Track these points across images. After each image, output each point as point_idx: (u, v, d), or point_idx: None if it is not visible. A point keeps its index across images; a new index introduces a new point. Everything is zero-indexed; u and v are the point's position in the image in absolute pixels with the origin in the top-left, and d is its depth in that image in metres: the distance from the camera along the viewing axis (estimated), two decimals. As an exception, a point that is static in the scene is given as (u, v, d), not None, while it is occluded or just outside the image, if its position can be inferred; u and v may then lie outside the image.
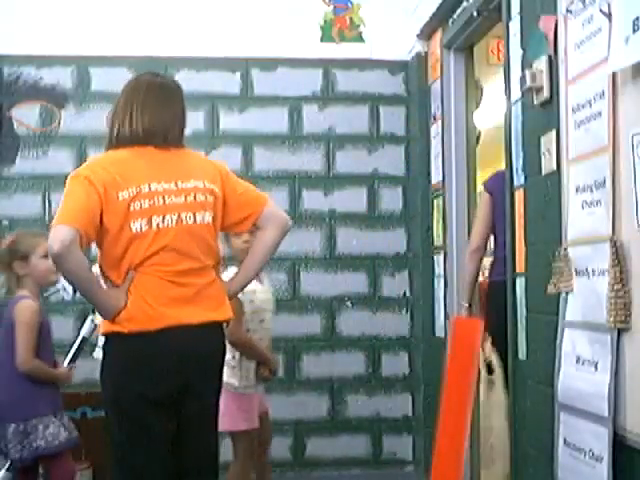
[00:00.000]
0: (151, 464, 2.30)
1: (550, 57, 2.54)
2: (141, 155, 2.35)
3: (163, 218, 2.30)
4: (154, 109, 2.37)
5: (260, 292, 3.25)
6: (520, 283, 2.83)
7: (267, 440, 3.40)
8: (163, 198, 2.30)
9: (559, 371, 2.39)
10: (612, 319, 2.06)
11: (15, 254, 3.07)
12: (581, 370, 2.26)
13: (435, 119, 4.06)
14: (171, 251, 2.31)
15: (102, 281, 2.44)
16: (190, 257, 2.33)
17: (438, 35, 4.03)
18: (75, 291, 3.42)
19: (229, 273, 2.81)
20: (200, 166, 2.44)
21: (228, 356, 2.84)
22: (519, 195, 2.84)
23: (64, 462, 3.08)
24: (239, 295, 2.78)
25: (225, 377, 2.58)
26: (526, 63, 2.72)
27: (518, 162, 2.85)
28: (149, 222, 2.28)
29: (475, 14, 3.41)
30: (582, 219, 2.28)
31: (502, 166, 3.08)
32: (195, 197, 2.34)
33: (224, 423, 2.76)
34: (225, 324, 2.48)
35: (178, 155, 2.41)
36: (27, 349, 3.02)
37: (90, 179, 2.27)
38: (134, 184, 2.28)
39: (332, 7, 4.46)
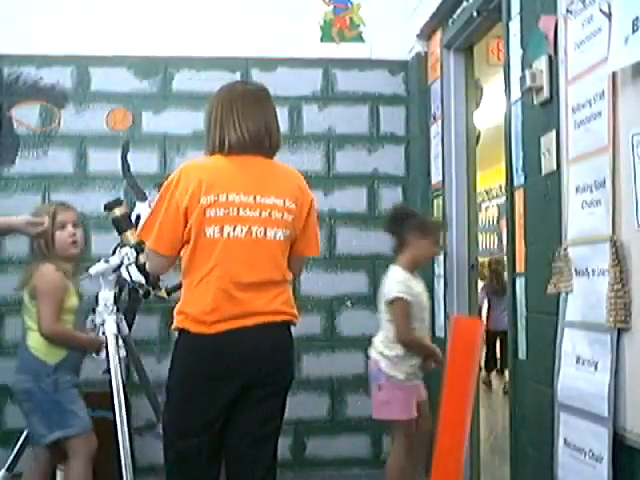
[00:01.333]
0: None
1: (550, 57, 2.54)
2: (231, 163, 2.42)
3: (234, 228, 2.36)
4: (253, 116, 2.44)
5: (422, 292, 3.39)
6: (520, 283, 2.83)
7: (427, 425, 3.34)
8: (237, 210, 2.36)
9: (559, 371, 2.39)
10: (612, 319, 2.06)
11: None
12: (581, 370, 2.26)
13: (435, 119, 4.07)
14: (238, 261, 2.37)
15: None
16: (256, 270, 2.38)
17: (438, 35, 4.03)
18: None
19: None
20: (285, 183, 2.46)
21: (391, 353, 3.24)
22: (519, 195, 2.84)
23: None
24: (406, 296, 3.19)
25: (389, 371, 3.13)
26: (526, 63, 2.72)
27: (518, 162, 2.85)
28: (221, 230, 2.36)
29: (475, 14, 3.42)
30: (582, 219, 2.28)
31: (502, 166, 3.08)
32: (271, 214, 2.39)
33: (384, 412, 3.21)
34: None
35: (266, 167, 2.46)
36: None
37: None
38: (213, 192, 2.35)
39: (332, 7, 4.46)
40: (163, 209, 2.43)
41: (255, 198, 2.38)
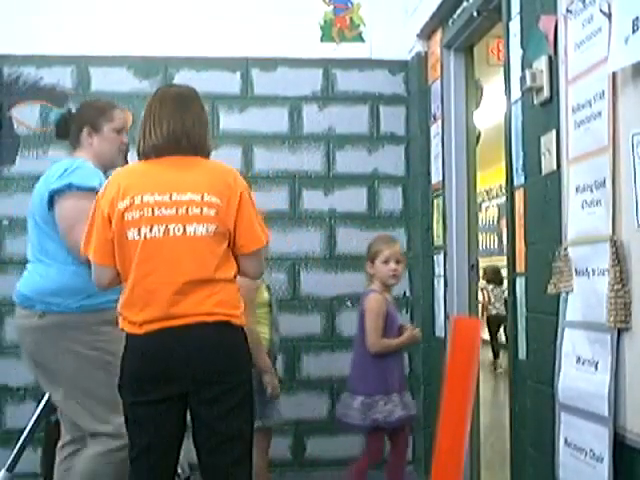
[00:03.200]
0: None
1: (550, 57, 2.54)
2: (147, 166, 2.46)
3: (151, 228, 2.35)
4: (168, 119, 2.43)
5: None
6: (520, 283, 2.83)
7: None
8: (152, 210, 2.35)
9: (559, 371, 2.39)
10: (612, 319, 2.06)
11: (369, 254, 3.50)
12: (581, 370, 2.26)
13: (435, 119, 4.07)
14: (159, 261, 2.35)
15: None
16: (180, 269, 2.35)
17: (438, 35, 4.03)
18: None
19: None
20: (205, 179, 2.41)
21: None
22: (519, 195, 2.84)
23: (377, 439, 3.39)
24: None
25: None
26: (526, 63, 2.72)
27: (518, 162, 2.85)
28: (139, 232, 2.35)
29: (475, 14, 3.42)
30: (582, 219, 2.28)
31: (502, 166, 3.08)
32: (188, 210, 2.35)
33: None
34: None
35: (185, 166, 2.43)
36: (374, 333, 3.35)
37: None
38: (126, 195, 2.37)
39: (332, 7, 4.45)
40: (96, 219, 2.44)
41: (171, 196, 2.36)
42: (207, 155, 2.51)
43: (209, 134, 2.54)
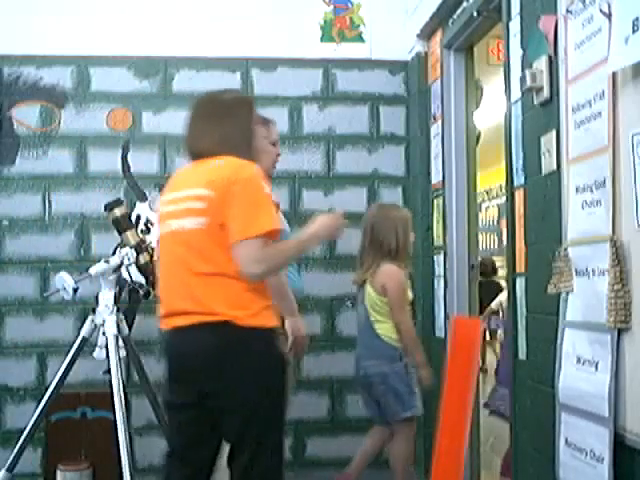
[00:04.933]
0: None
1: (550, 57, 2.54)
2: (180, 171, 2.60)
3: (162, 226, 2.48)
4: (189, 127, 2.52)
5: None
6: (520, 283, 2.83)
7: None
8: (166, 207, 2.49)
9: (559, 371, 2.39)
10: (612, 319, 2.06)
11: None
12: (581, 370, 2.26)
13: (435, 119, 4.07)
14: (167, 255, 2.46)
15: None
16: (182, 262, 2.37)
17: (438, 35, 4.03)
18: (75, 291, 3.44)
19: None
20: (203, 175, 2.39)
21: None
22: (519, 195, 2.84)
23: None
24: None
25: None
26: (526, 63, 2.72)
27: (518, 162, 2.85)
28: (159, 230, 2.52)
29: (475, 14, 3.41)
30: (582, 219, 2.28)
31: (502, 166, 3.08)
32: (184, 204, 2.40)
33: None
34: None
35: (195, 167, 2.47)
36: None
37: None
38: (162, 198, 2.56)
39: (332, 7, 4.45)
40: None
41: (175, 194, 2.47)
42: (228, 152, 2.42)
43: (238, 131, 2.47)
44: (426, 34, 4.19)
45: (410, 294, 3.56)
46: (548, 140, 2.54)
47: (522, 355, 2.80)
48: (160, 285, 2.50)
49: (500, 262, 8.50)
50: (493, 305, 7.76)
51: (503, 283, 9.29)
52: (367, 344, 3.50)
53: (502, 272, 9.28)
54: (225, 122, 2.46)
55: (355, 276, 3.64)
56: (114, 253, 3.68)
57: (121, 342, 3.52)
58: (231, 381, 2.30)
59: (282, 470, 2.40)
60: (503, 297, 9.11)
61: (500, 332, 8.11)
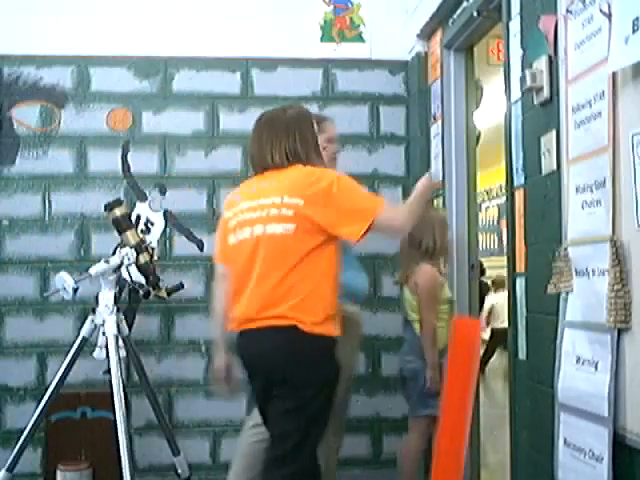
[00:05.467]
0: None
1: (550, 57, 2.54)
2: (250, 182, 2.76)
3: (239, 232, 2.64)
4: (253, 143, 2.75)
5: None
6: (520, 283, 2.83)
7: None
8: (243, 215, 2.64)
9: (559, 371, 2.39)
10: (612, 319, 2.06)
11: None
12: (581, 370, 2.26)
13: (435, 119, 4.06)
14: (243, 260, 2.61)
15: None
16: (262, 267, 2.55)
17: (438, 35, 4.03)
18: (75, 291, 3.44)
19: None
20: (288, 183, 2.59)
21: None
22: (519, 195, 2.84)
23: None
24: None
25: None
26: (526, 63, 2.72)
27: (518, 162, 2.85)
28: (234, 236, 2.67)
29: (475, 14, 3.41)
30: (582, 219, 2.28)
31: (502, 166, 3.08)
32: (269, 212, 2.56)
33: None
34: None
35: (276, 177, 2.64)
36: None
37: None
38: (232, 206, 2.73)
39: (332, 7, 4.45)
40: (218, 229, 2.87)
41: (258, 201, 2.60)
42: (297, 162, 2.64)
43: (302, 143, 2.68)
44: (426, 34, 4.19)
45: (448, 293, 3.59)
46: (548, 140, 2.55)
47: (522, 355, 2.80)
48: (234, 288, 2.64)
49: (499, 262, 8.50)
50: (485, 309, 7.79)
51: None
52: (408, 341, 3.59)
53: (490, 272, 9.31)
54: (290, 137, 2.67)
55: (397, 276, 3.81)
56: (114, 253, 3.68)
57: (121, 342, 3.52)
58: (291, 380, 2.51)
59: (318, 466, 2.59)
60: (493, 300, 9.14)
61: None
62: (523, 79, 2.67)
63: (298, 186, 2.55)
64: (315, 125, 2.80)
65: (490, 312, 9.07)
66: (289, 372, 2.50)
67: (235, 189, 2.86)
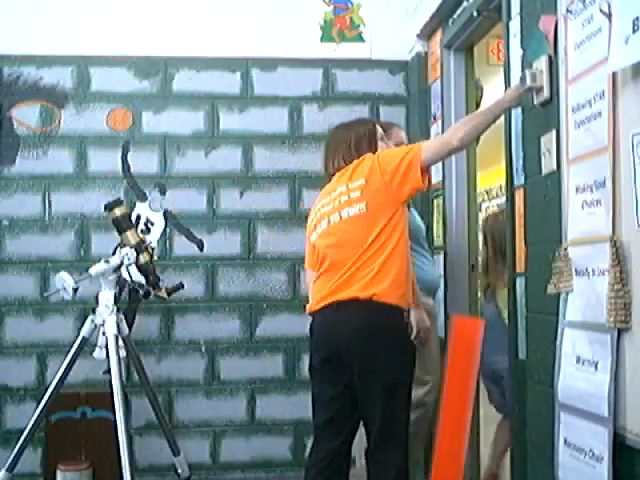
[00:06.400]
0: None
1: (550, 57, 2.54)
2: (325, 188, 3.03)
3: (320, 225, 2.92)
4: (331, 152, 3.04)
5: None
6: (520, 283, 2.83)
7: None
8: (319, 211, 2.94)
9: (559, 371, 2.39)
10: (612, 319, 2.06)
11: None
12: (581, 370, 2.26)
13: (435, 119, 4.06)
14: (327, 249, 2.86)
15: None
16: (341, 249, 2.79)
17: (438, 35, 4.03)
18: (75, 291, 3.44)
19: None
20: (349, 172, 2.87)
21: None
22: (519, 195, 2.84)
23: None
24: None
25: None
26: (526, 63, 2.72)
27: (518, 162, 2.85)
28: (316, 231, 2.95)
29: (475, 14, 3.41)
30: (582, 219, 2.28)
31: (502, 166, 3.08)
32: (339, 200, 2.83)
33: None
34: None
35: (338, 174, 2.94)
36: None
37: None
38: (312, 211, 3.05)
39: (332, 7, 4.45)
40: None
41: (330, 195, 2.90)
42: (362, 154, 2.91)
43: (348, 153, 2.96)
44: (426, 34, 4.19)
45: None
46: (548, 140, 2.54)
47: (522, 355, 2.80)
48: (317, 276, 2.89)
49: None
50: None
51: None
52: (497, 340, 3.50)
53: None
54: (361, 150, 2.94)
55: (480, 281, 3.89)
56: (114, 253, 3.68)
57: (121, 342, 3.52)
58: (374, 350, 2.69)
59: (408, 428, 2.78)
60: None
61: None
62: (523, 79, 2.67)
63: (356, 171, 2.84)
64: (381, 132, 3.06)
65: None
66: (369, 345, 2.69)
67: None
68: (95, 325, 3.52)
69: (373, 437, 2.76)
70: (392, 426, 2.73)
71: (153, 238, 4.23)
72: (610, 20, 2.07)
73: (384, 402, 2.70)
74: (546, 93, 2.55)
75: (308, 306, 2.95)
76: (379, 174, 2.77)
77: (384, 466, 2.74)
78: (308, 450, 3.02)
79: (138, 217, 4.25)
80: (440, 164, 3.96)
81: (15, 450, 3.49)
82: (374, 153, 2.91)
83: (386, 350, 2.69)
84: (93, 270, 3.51)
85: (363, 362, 2.70)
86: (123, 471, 3.27)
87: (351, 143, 2.96)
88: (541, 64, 2.57)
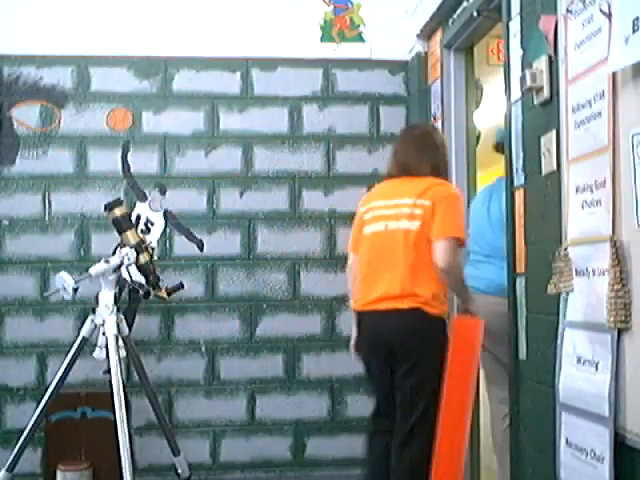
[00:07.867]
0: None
1: (550, 57, 2.54)
2: (387, 183, 3.27)
3: (374, 225, 3.15)
4: (403, 151, 3.24)
5: None
6: (520, 283, 2.83)
7: None
8: (380, 211, 3.15)
9: (560, 371, 2.39)
10: (612, 319, 2.06)
11: None
12: (581, 370, 2.26)
13: (435, 119, 4.06)
14: (376, 249, 3.12)
15: None
16: (396, 256, 3.04)
17: (438, 35, 4.03)
18: (75, 291, 3.44)
19: None
20: (419, 189, 3.08)
21: None
22: (519, 195, 2.84)
23: None
24: None
25: None
26: (526, 63, 2.72)
27: (518, 162, 2.85)
28: (369, 228, 3.17)
29: (475, 14, 3.41)
30: (582, 219, 2.28)
31: (502, 166, 3.08)
32: (401, 210, 3.08)
33: None
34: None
35: (409, 182, 3.14)
36: None
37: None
38: (368, 202, 3.26)
39: (332, 7, 4.46)
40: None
41: (393, 201, 3.12)
42: (435, 175, 3.15)
43: (442, 162, 3.24)
44: (426, 34, 4.19)
45: None
46: (548, 140, 2.54)
47: (522, 355, 2.80)
48: (364, 273, 3.14)
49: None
50: None
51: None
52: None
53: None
54: (434, 155, 3.21)
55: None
56: (114, 253, 3.68)
57: (121, 342, 3.52)
58: (417, 352, 3.01)
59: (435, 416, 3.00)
60: None
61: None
62: (523, 79, 2.66)
63: (429, 192, 3.06)
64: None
65: None
66: (413, 346, 3.00)
67: (372, 189, 3.43)
68: (95, 325, 3.52)
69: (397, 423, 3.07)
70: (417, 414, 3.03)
71: (153, 238, 4.23)
72: (610, 20, 2.07)
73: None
74: (546, 93, 2.56)
75: (353, 302, 3.22)
76: (441, 207, 3.03)
77: (404, 452, 3.04)
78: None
79: (138, 217, 4.25)
80: (440, 164, 3.96)
81: (15, 450, 3.49)
82: (446, 171, 3.26)
83: (426, 353, 3.03)
84: (93, 270, 3.51)
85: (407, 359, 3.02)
86: (123, 471, 3.27)
87: (439, 156, 3.24)
88: (541, 64, 2.57)
